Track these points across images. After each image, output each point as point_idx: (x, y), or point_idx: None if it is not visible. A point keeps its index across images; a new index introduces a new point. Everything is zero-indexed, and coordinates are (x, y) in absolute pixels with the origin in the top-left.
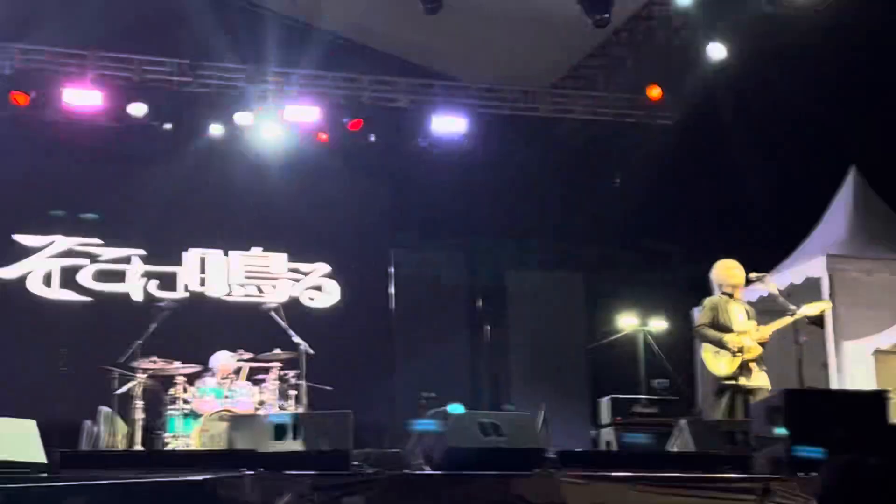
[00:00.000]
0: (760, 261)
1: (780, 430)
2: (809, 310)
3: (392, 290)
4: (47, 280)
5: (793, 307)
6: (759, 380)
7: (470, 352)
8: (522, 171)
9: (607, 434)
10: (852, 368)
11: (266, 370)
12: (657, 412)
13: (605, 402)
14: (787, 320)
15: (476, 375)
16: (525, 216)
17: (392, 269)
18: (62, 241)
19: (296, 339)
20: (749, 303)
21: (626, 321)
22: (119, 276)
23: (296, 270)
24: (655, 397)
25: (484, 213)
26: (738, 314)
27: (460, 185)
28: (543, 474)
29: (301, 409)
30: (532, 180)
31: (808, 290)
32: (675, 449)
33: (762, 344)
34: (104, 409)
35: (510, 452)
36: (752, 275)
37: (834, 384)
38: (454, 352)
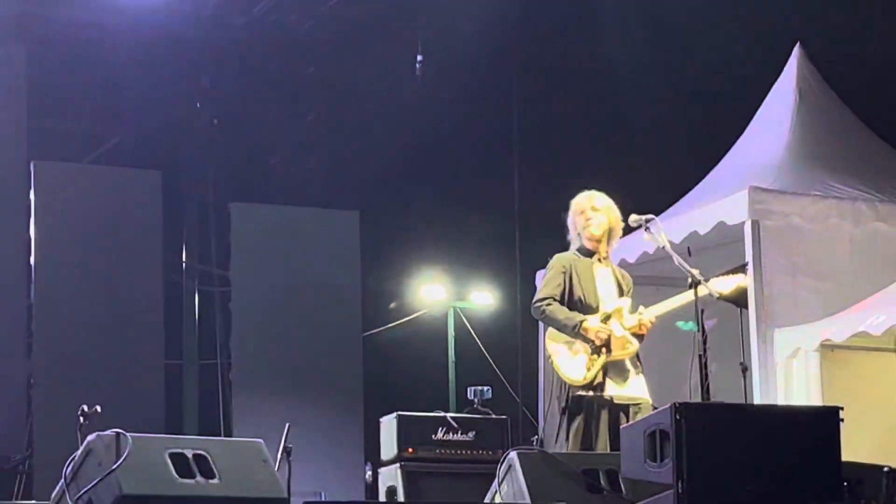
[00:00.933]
0: (654, 196)
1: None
2: (721, 284)
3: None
4: None
5: (695, 272)
6: (635, 389)
7: (164, 332)
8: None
9: (390, 476)
10: (786, 371)
11: None
12: (472, 440)
13: (388, 424)
14: (684, 298)
15: (173, 373)
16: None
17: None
18: None
19: None
20: (623, 266)
21: (429, 293)
22: None
23: None
24: (471, 416)
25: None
26: (604, 284)
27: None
28: None
29: None
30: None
31: (723, 245)
32: (500, 498)
33: (639, 336)
34: None
35: None
36: (632, 218)
37: (757, 396)
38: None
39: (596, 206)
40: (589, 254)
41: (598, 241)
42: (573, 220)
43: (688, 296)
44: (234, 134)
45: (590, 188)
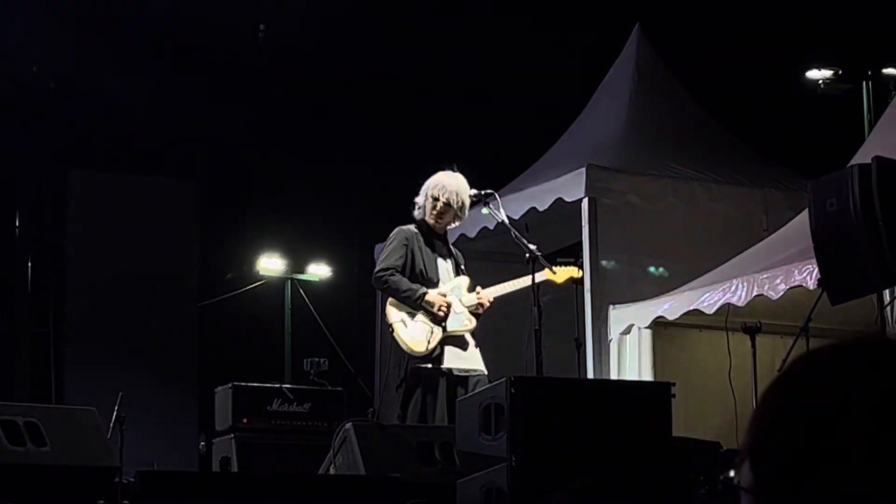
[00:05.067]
0: (494, 171)
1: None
2: (556, 274)
3: None
4: None
5: (532, 248)
6: (473, 362)
7: None
8: None
9: (224, 447)
10: (620, 347)
11: None
12: (308, 411)
13: (223, 394)
14: (522, 282)
15: (4, 341)
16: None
17: None
18: None
19: None
20: (463, 241)
21: (266, 264)
22: None
23: None
24: (307, 387)
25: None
26: (442, 260)
27: None
28: None
29: None
30: None
31: (561, 221)
32: (334, 470)
33: (476, 315)
34: None
35: (57, 472)
36: (471, 194)
37: (591, 371)
38: None
39: (456, 203)
40: (429, 229)
41: (443, 214)
42: (429, 199)
43: (525, 280)
44: (72, 99)
45: (431, 163)
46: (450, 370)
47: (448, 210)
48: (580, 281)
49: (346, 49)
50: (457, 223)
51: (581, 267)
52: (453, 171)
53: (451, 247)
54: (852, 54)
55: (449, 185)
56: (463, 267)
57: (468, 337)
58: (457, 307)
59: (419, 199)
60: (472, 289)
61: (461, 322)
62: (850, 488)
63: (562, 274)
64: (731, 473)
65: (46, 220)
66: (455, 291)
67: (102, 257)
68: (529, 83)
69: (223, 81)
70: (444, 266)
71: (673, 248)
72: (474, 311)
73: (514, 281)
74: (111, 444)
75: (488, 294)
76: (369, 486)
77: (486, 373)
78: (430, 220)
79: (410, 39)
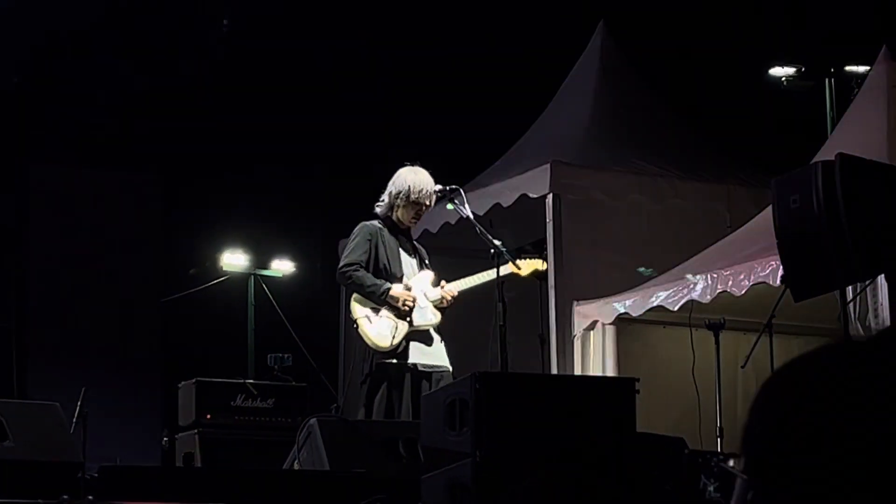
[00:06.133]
0: (458, 167)
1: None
2: (522, 267)
3: None
4: None
5: (497, 243)
6: (438, 357)
7: None
8: None
9: (188, 442)
10: (584, 343)
11: None
12: (272, 407)
13: (186, 389)
14: (487, 276)
15: None
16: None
17: None
18: None
19: None
20: (426, 236)
21: (230, 260)
22: None
23: None
24: (271, 382)
25: None
26: (406, 255)
27: None
28: None
29: None
30: None
31: (526, 217)
32: (298, 465)
33: (441, 309)
34: None
35: (20, 467)
36: (436, 189)
37: (555, 367)
38: None
39: (421, 199)
40: (393, 224)
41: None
42: (394, 194)
43: (490, 274)
44: (35, 93)
45: (394, 159)
46: (414, 365)
47: (412, 206)
48: (544, 274)
49: (310, 42)
50: (419, 218)
51: (545, 260)
52: (417, 166)
53: (415, 242)
54: (815, 51)
55: (414, 180)
56: (427, 262)
57: (433, 332)
58: (421, 302)
59: (385, 197)
60: (436, 283)
61: (426, 317)
62: (837, 485)
63: (526, 267)
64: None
65: (7, 215)
66: (419, 286)
67: (65, 252)
68: (493, 79)
69: (187, 75)
70: (408, 261)
71: (637, 244)
72: (439, 306)
73: (479, 275)
74: (74, 439)
75: (453, 288)
76: (334, 482)
77: (450, 369)
78: (395, 216)
79: (374, 35)
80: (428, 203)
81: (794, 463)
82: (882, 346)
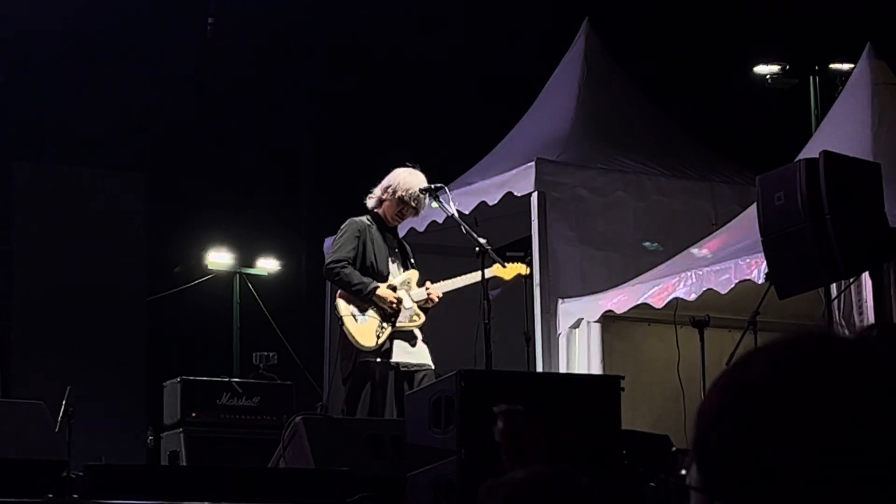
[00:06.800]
0: (444, 165)
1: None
2: (505, 270)
3: None
4: None
5: (482, 241)
6: (420, 356)
7: None
8: None
9: (173, 441)
10: (569, 341)
11: None
12: (257, 405)
13: (171, 388)
14: (472, 278)
15: None
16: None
17: None
18: None
19: None
20: (412, 235)
21: (215, 258)
22: None
23: None
24: (256, 381)
25: None
26: (393, 253)
27: None
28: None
29: None
30: None
31: (511, 215)
32: (283, 463)
33: (425, 309)
34: None
35: (5, 466)
36: (422, 187)
37: (540, 365)
38: None
39: (415, 201)
40: (382, 221)
41: (403, 208)
42: (388, 191)
43: (475, 276)
44: (18, 92)
45: (379, 156)
46: (398, 365)
47: (398, 202)
48: (528, 278)
49: (297, 39)
50: (403, 218)
51: (530, 263)
52: (414, 167)
53: (402, 240)
54: (800, 50)
55: (406, 178)
56: (412, 260)
57: (416, 331)
58: (406, 302)
59: (376, 191)
60: (421, 283)
61: (410, 318)
62: (792, 485)
63: (510, 270)
64: (683, 472)
65: None
66: (405, 286)
67: (49, 250)
68: (478, 78)
69: (170, 74)
70: (395, 259)
71: (622, 241)
72: (423, 307)
73: (464, 276)
74: (59, 438)
75: (437, 289)
76: (319, 480)
77: (433, 368)
78: (387, 214)
79: (363, 33)
80: (414, 205)
81: (761, 482)
82: (855, 349)
